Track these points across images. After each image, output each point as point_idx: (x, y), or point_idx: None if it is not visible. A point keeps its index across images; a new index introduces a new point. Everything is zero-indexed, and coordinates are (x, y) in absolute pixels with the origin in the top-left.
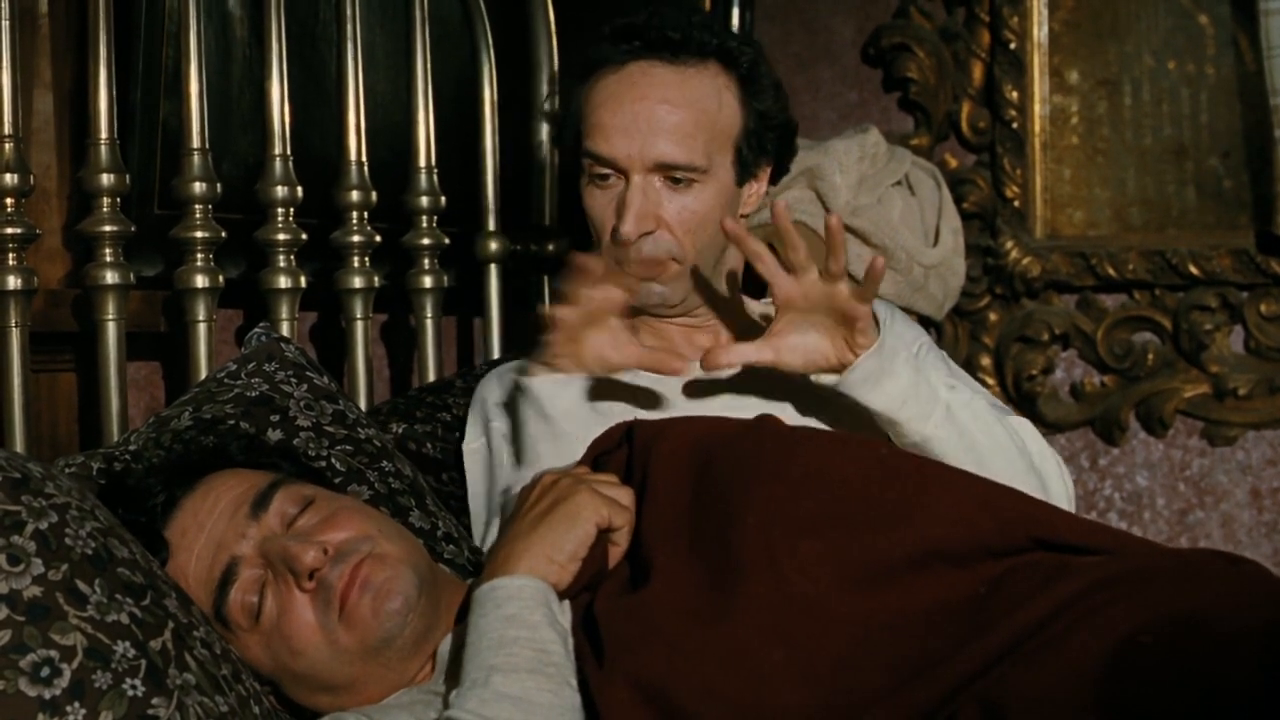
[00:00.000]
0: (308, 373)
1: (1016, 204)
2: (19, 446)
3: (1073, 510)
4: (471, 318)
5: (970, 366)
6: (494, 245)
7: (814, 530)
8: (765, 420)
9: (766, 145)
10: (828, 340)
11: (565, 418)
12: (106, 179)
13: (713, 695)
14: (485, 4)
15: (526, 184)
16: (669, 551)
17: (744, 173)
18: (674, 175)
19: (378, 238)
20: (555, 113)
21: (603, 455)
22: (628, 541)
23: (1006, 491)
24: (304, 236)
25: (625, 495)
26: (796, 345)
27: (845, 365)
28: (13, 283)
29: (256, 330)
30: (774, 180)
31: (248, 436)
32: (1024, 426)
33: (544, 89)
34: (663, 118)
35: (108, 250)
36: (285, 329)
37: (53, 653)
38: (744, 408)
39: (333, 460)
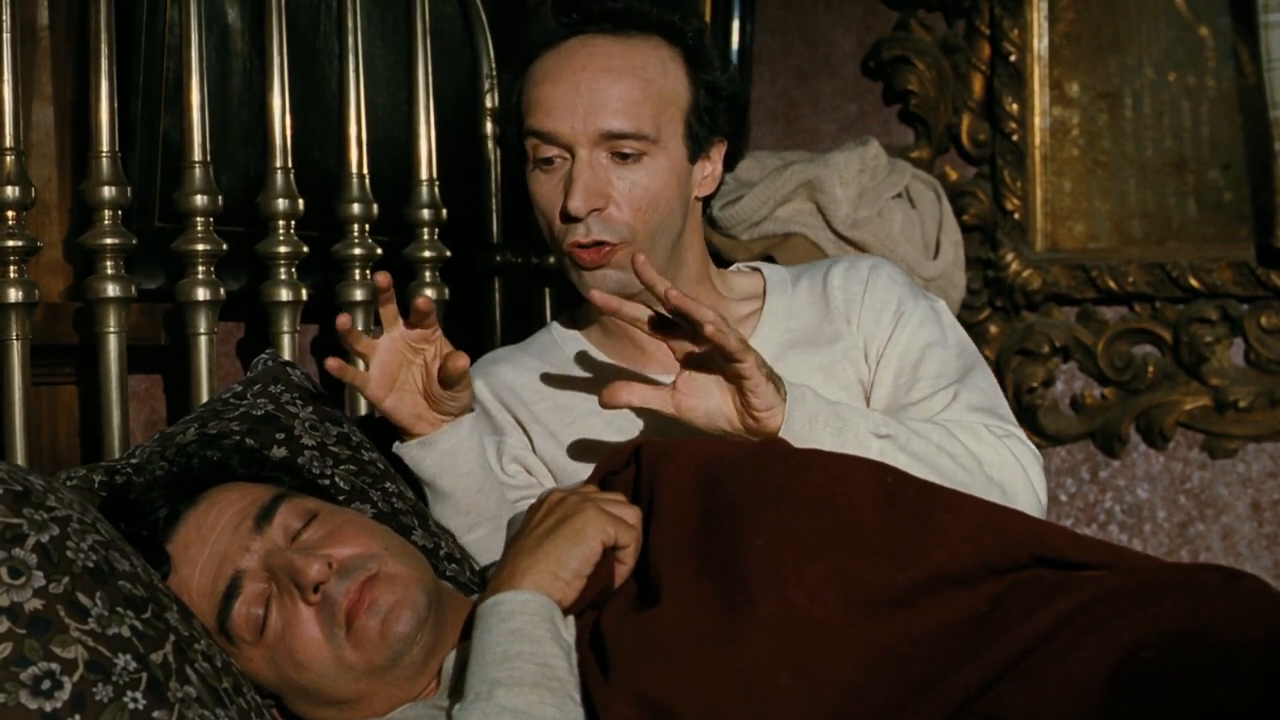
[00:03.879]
0: (313, 396)
1: (1017, 216)
2: (20, 459)
3: (1042, 514)
4: (474, 331)
5: None
6: (496, 258)
7: (822, 554)
8: (774, 443)
9: (718, 120)
10: (727, 402)
11: (537, 401)
12: (107, 192)
13: (718, 715)
14: (486, 16)
15: (529, 196)
16: (677, 572)
17: (696, 148)
18: (622, 149)
19: (379, 250)
20: (495, 108)
21: (610, 475)
22: (634, 560)
23: (1008, 512)
24: (305, 249)
25: (632, 514)
26: (697, 406)
27: (748, 431)
28: (14, 295)
29: (263, 355)
30: (729, 165)
31: (250, 450)
32: (979, 433)
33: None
34: (606, 87)
35: (109, 263)
36: (286, 341)
37: (54, 665)
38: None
39: (337, 479)
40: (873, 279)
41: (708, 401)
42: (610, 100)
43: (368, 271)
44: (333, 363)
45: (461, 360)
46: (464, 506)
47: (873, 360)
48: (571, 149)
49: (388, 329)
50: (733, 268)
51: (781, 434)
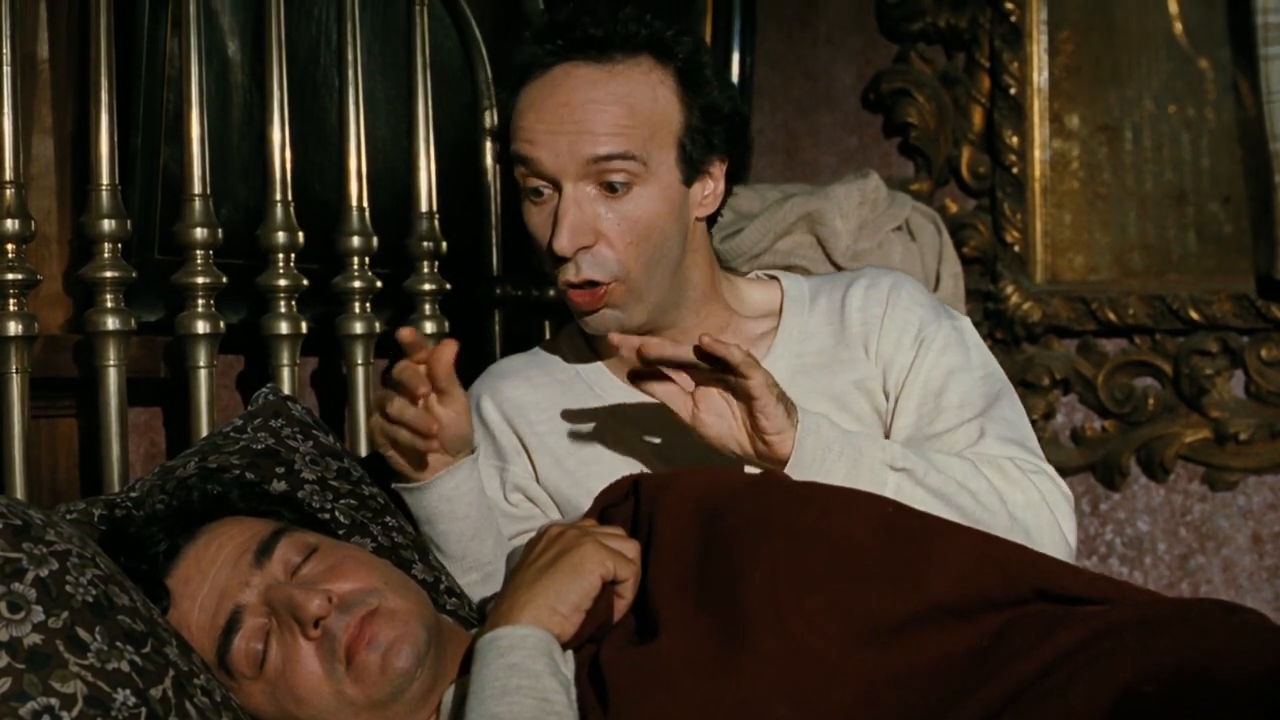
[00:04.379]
0: (314, 430)
1: (1017, 249)
2: (19, 492)
3: (1070, 558)
4: (473, 364)
5: None
6: (496, 290)
7: (820, 585)
8: (771, 475)
9: (714, 140)
10: (739, 426)
11: (541, 422)
12: (108, 224)
13: None
14: (486, 49)
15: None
16: (676, 605)
17: (691, 171)
18: (610, 178)
19: (379, 283)
20: (494, 128)
21: (609, 508)
22: (633, 594)
23: (1009, 545)
24: (305, 282)
25: (631, 548)
26: (711, 423)
27: (759, 455)
28: (13, 328)
29: (263, 390)
30: (734, 178)
31: (250, 484)
32: (1005, 469)
33: None
34: (590, 116)
35: (109, 296)
36: (286, 374)
37: (53, 700)
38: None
39: (337, 514)
40: (893, 300)
41: (723, 420)
42: (594, 127)
43: (368, 304)
44: (405, 333)
45: (448, 350)
46: (457, 552)
47: (892, 388)
48: (558, 182)
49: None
50: (750, 274)
51: (793, 463)
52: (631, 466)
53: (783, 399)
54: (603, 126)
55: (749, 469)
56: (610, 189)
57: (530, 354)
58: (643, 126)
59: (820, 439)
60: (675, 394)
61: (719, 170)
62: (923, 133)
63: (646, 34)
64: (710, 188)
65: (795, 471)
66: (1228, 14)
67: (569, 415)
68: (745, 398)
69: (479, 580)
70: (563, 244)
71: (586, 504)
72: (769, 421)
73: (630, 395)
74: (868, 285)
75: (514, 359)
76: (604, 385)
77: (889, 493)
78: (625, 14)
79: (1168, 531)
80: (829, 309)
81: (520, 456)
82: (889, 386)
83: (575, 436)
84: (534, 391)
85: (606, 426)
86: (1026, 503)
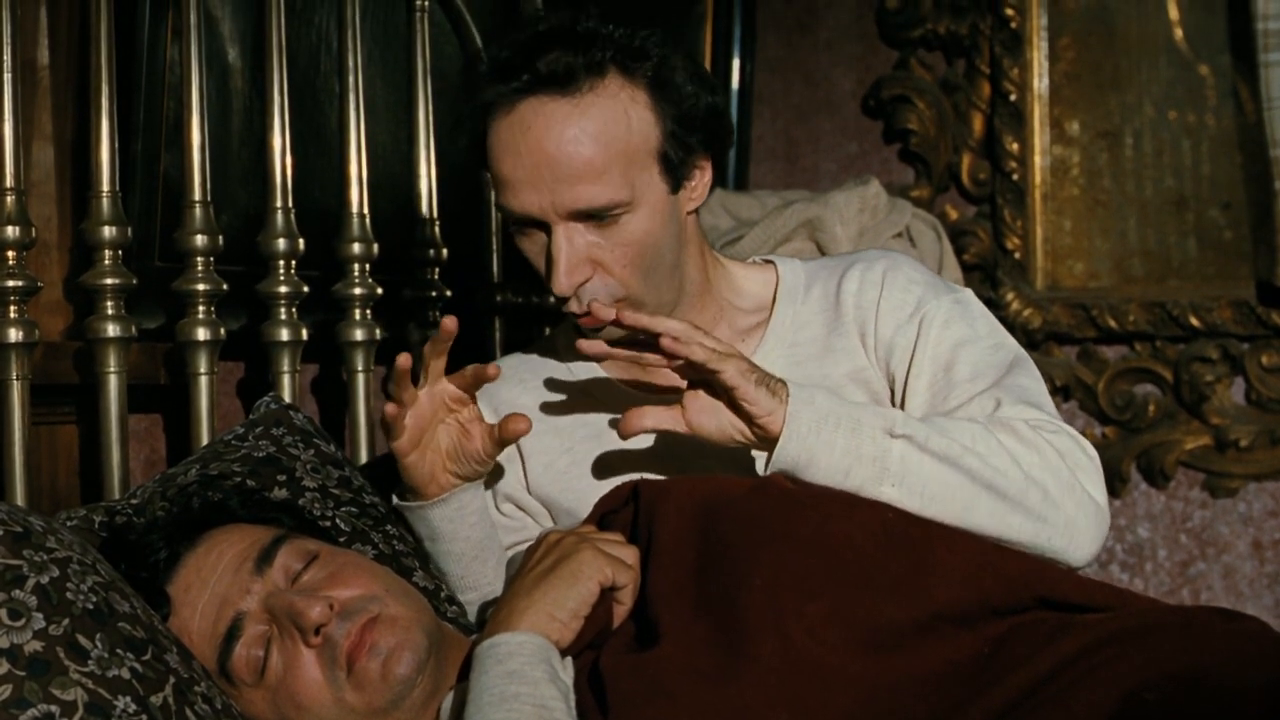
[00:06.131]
0: (315, 439)
1: (1017, 255)
2: (19, 499)
3: (1104, 522)
4: None
5: None
6: (496, 297)
7: (820, 592)
8: (771, 481)
9: (694, 143)
10: (733, 415)
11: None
12: (108, 231)
13: None
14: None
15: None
16: (675, 611)
17: (676, 179)
18: (598, 215)
19: (379, 290)
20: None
21: (608, 514)
22: (632, 600)
23: (1010, 552)
24: (305, 289)
25: (630, 554)
26: (707, 422)
27: (761, 440)
28: (14, 335)
29: (265, 399)
30: (719, 165)
31: (250, 491)
32: (1017, 430)
33: None
34: (568, 160)
35: (109, 302)
36: (286, 381)
37: (54, 708)
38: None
39: (338, 521)
40: (888, 282)
41: (718, 415)
42: (574, 174)
43: (368, 311)
44: (404, 359)
45: (522, 423)
46: (457, 571)
47: (898, 371)
48: (545, 225)
49: (431, 382)
50: (749, 259)
51: (788, 435)
52: (622, 469)
53: (764, 380)
54: (582, 173)
55: (749, 474)
56: (599, 219)
57: (524, 354)
58: (620, 159)
59: (816, 410)
60: (665, 416)
61: (705, 164)
62: (923, 139)
63: (610, 53)
64: (696, 180)
65: (793, 444)
66: (1228, 20)
67: (562, 418)
68: (724, 390)
69: (476, 600)
70: (561, 286)
71: (577, 508)
72: (754, 406)
73: (623, 397)
74: (863, 271)
75: (508, 360)
76: (597, 387)
77: (893, 460)
78: (584, 28)
79: (1168, 538)
80: (823, 296)
81: (513, 465)
82: (894, 370)
83: (567, 440)
84: (527, 394)
85: (599, 429)
86: (1043, 464)
